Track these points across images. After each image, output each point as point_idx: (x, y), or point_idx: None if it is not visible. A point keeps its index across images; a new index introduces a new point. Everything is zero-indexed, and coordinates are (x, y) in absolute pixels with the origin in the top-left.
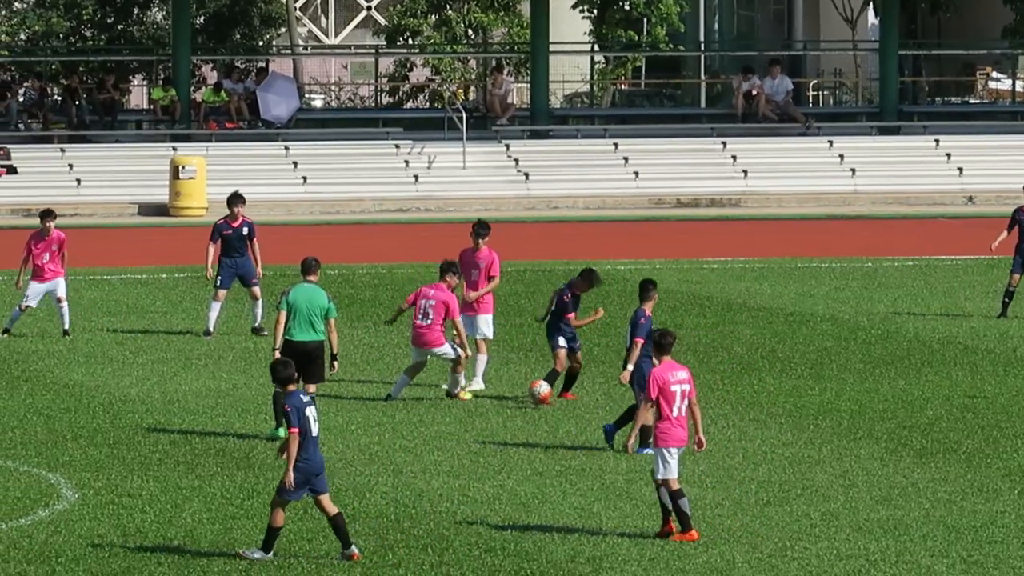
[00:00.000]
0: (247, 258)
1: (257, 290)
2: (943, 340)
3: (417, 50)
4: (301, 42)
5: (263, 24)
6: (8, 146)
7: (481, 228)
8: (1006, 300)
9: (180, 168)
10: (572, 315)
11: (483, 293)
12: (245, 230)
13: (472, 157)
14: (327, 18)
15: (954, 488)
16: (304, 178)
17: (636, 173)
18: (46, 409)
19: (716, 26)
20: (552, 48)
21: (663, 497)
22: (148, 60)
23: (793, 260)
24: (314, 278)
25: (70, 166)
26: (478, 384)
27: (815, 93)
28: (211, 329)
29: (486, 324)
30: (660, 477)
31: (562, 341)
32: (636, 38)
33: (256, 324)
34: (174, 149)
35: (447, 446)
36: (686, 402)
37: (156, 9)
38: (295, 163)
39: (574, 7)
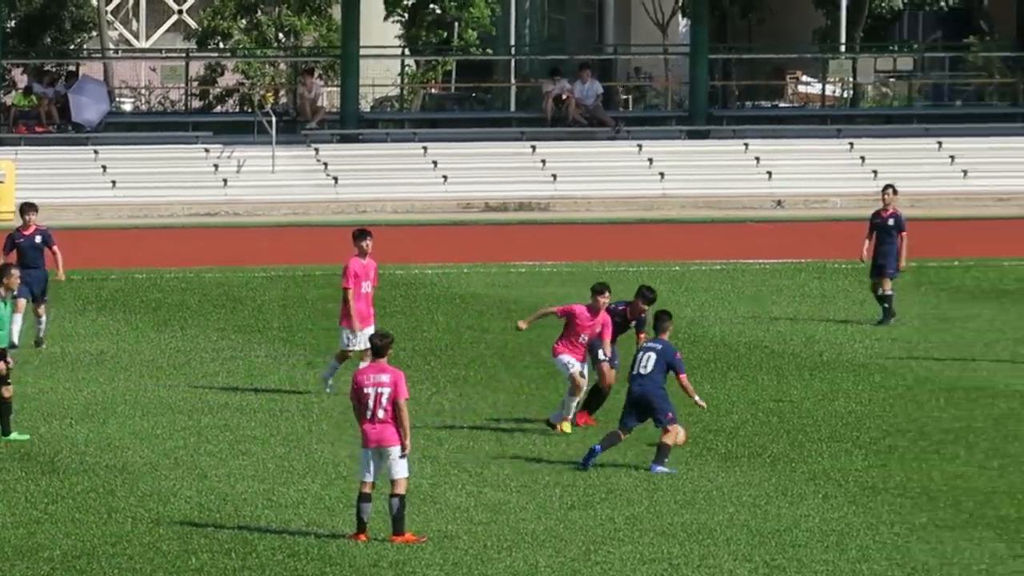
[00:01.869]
0: (41, 270)
1: (43, 308)
2: (749, 344)
3: (228, 54)
4: (112, 45)
5: (74, 28)
6: None
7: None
8: (885, 306)
9: None
10: (643, 334)
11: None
12: (39, 238)
13: (281, 161)
14: (138, 21)
15: (758, 492)
16: (113, 182)
17: (445, 177)
18: None
19: (527, 29)
20: (362, 52)
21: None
22: None
23: (601, 264)
24: None
25: None
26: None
27: (625, 97)
28: (15, 341)
29: None
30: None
31: (601, 355)
32: (447, 39)
33: (39, 336)
34: None
35: (252, 450)
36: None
37: None
38: (104, 167)
39: (386, 19)
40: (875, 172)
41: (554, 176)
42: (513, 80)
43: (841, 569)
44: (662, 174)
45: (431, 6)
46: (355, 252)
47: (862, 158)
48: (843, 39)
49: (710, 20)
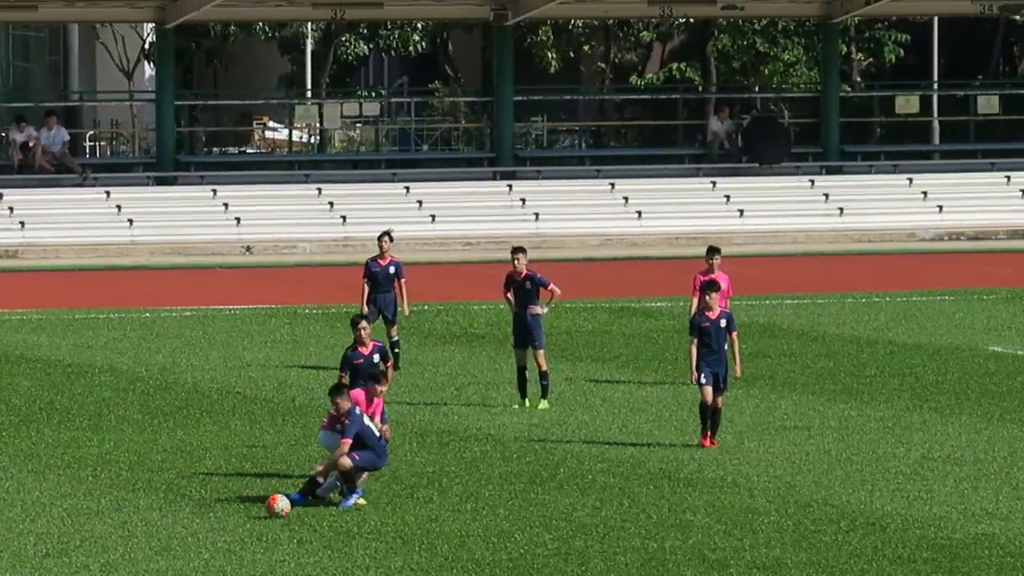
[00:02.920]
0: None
1: (394, 330)
2: (222, 390)
3: None
4: None
5: None
6: None
7: None
8: (396, 351)
9: None
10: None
11: None
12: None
13: None
14: None
15: (233, 537)
16: None
17: None
18: None
19: None
20: None
21: None
22: None
23: (71, 311)
24: None
25: None
26: None
27: (92, 144)
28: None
29: None
30: None
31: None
32: None
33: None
34: None
35: None
36: None
37: None
38: None
39: None
40: (344, 217)
41: (22, 223)
42: None
43: None
44: (131, 220)
45: None
46: None
47: (331, 203)
48: (309, 85)
49: (176, 67)
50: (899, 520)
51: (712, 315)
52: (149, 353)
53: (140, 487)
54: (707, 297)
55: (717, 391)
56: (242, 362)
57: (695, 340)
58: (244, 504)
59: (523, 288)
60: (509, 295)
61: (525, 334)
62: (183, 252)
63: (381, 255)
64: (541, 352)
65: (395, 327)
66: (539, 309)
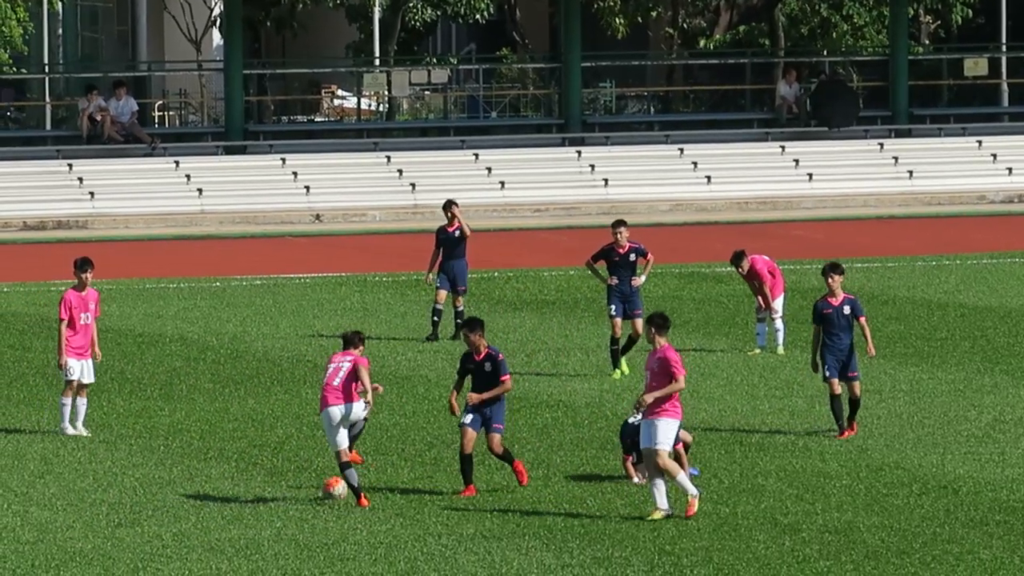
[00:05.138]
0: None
1: (460, 300)
2: (292, 358)
3: None
4: None
5: None
6: None
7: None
8: (458, 322)
9: None
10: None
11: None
12: (457, 233)
13: None
14: None
15: (305, 506)
16: None
17: None
18: None
19: (60, 48)
20: None
21: None
22: None
23: (141, 281)
24: None
25: None
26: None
27: (161, 113)
28: None
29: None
30: None
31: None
32: None
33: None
34: None
35: None
36: None
37: None
38: None
39: None
40: (413, 185)
41: (92, 194)
42: (48, 99)
43: None
44: (200, 190)
45: None
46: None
47: (399, 171)
48: (377, 53)
49: (244, 35)
50: (971, 483)
51: (835, 301)
52: (219, 322)
53: (212, 456)
54: (829, 280)
55: (845, 379)
56: (313, 330)
57: (818, 328)
58: (316, 472)
59: (627, 260)
60: (598, 265)
61: (629, 304)
62: (252, 221)
63: (450, 223)
64: (640, 321)
65: (462, 297)
66: (641, 280)
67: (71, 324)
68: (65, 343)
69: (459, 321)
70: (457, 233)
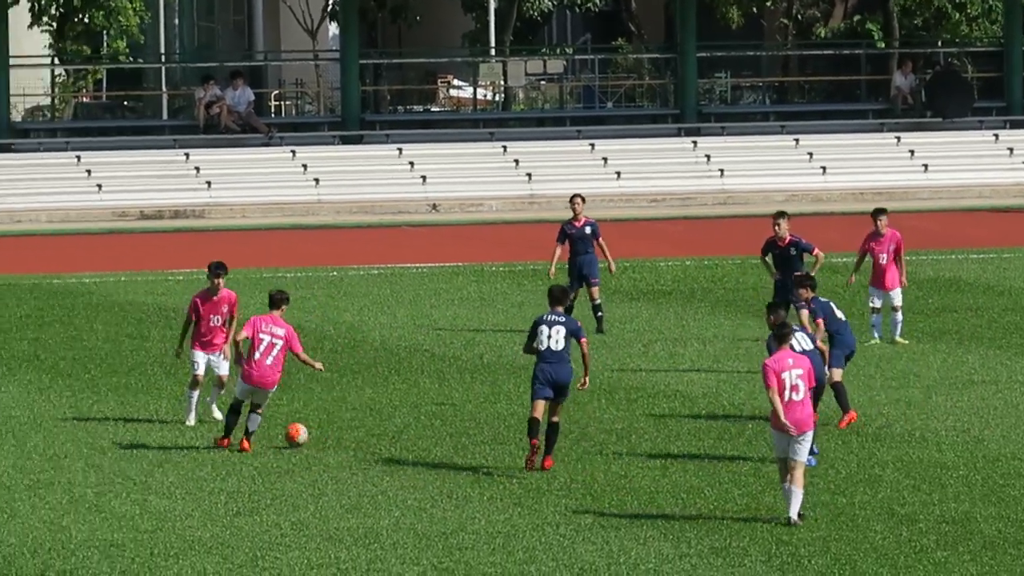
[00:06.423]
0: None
1: (596, 291)
2: (410, 348)
3: None
4: None
5: None
6: None
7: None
8: (599, 315)
9: None
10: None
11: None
12: (587, 229)
13: None
14: None
15: (423, 495)
16: None
17: (99, 185)
18: None
19: (177, 37)
20: (12, 61)
21: None
22: None
23: (258, 271)
24: None
25: None
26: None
27: (277, 103)
28: None
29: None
30: None
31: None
32: (96, 48)
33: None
34: None
35: None
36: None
37: None
38: None
39: (31, 25)
40: (529, 175)
41: (208, 183)
42: (165, 88)
43: (508, 571)
44: (317, 180)
45: (79, 16)
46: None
47: (516, 161)
48: (493, 43)
49: (360, 25)
50: None
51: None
52: (336, 312)
53: (330, 445)
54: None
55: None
56: (430, 320)
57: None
58: (434, 461)
59: (787, 254)
60: (767, 259)
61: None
62: (369, 211)
63: (575, 217)
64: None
65: (597, 288)
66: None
67: (198, 324)
68: (192, 338)
69: (599, 315)
70: (588, 229)
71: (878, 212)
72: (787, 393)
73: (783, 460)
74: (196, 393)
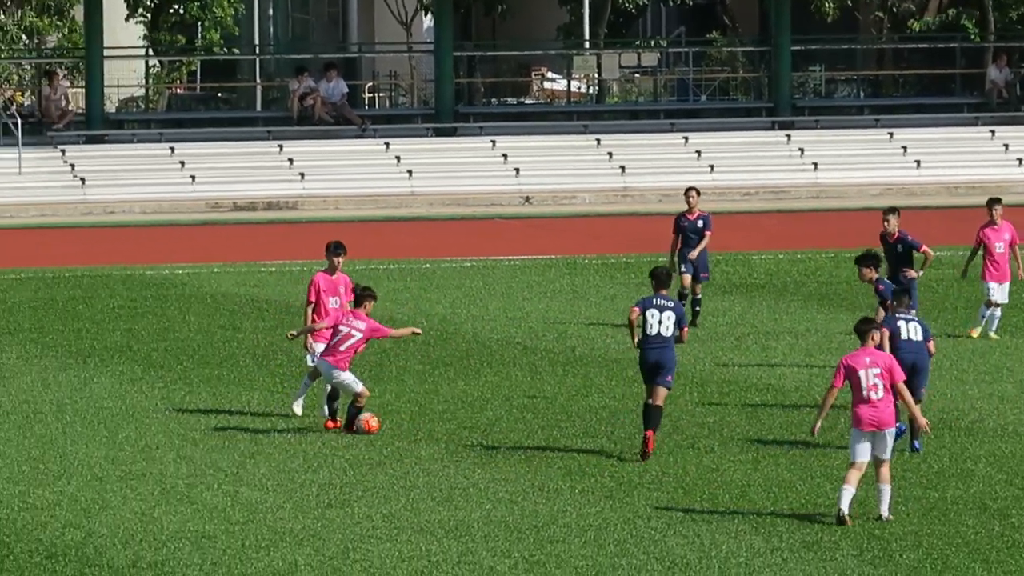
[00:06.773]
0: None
1: (698, 287)
2: (502, 340)
3: None
4: None
5: None
6: None
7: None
8: (696, 308)
9: None
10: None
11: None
12: (700, 223)
13: (28, 163)
14: None
15: (515, 488)
16: None
17: (193, 177)
18: None
19: (271, 29)
20: (106, 52)
21: None
22: None
23: (351, 262)
24: None
25: None
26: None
27: (371, 95)
28: None
29: None
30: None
31: None
32: (190, 39)
33: None
34: None
35: (6, 452)
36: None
37: None
38: None
39: (127, 19)
40: (623, 168)
41: (302, 175)
42: (259, 80)
43: (600, 564)
44: (410, 172)
45: (174, 7)
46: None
47: (609, 154)
48: (587, 35)
49: (454, 17)
50: None
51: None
52: (429, 304)
53: (421, 437)
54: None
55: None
56: (522, 312)
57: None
58: (526, 454)
59: (894, 251)
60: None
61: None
62: (462, 203)
63: (690, 210)
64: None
65: (700, 284)
66: (913, 273)
67: (317, 308)
68: (312, 327)
69: (697, 309)
70: (700, 223)
71: (992, 202)
72: (865, 392)
73: (859, 462)
74: (311, 382)
